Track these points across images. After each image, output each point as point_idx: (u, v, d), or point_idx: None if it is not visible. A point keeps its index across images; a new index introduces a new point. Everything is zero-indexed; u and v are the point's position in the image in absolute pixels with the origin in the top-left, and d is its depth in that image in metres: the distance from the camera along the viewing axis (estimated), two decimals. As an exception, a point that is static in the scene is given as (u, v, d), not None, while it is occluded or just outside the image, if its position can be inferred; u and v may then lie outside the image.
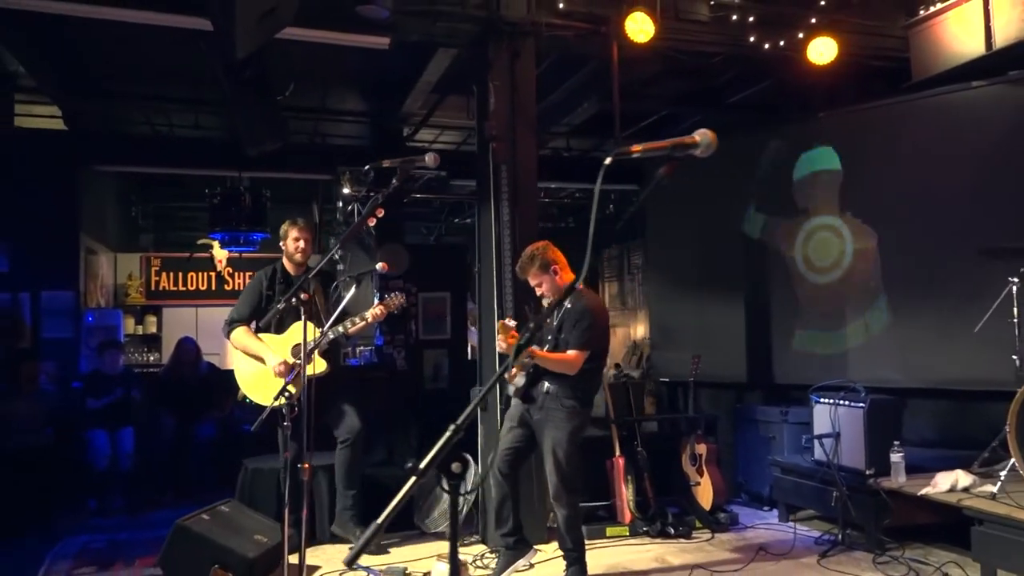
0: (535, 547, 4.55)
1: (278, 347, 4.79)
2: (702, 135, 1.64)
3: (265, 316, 4.77)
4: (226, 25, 3.96)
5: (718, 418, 6.44)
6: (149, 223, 12.25)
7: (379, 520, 1.46)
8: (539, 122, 8.64)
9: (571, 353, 4.15)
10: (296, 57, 5.98)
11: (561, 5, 5.15)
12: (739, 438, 6.39)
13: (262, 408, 4.11)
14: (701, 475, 5.56)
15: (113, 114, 8.49)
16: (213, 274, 10.78)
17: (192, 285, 11.06)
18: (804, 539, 5.09)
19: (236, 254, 10.05)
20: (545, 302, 4.41)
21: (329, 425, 4.95)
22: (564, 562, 4.31)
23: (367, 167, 2.89)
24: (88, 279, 8.74)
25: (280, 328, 4.83)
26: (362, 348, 10.14)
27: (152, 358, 10.12)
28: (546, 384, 4.23)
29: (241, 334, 4.88)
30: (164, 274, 10.95)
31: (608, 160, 1.58)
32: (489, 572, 4.48)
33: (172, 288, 10.99)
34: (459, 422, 1.47)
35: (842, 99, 6.59)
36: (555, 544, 4.58)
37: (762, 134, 6.90)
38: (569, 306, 4.24)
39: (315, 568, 4.61)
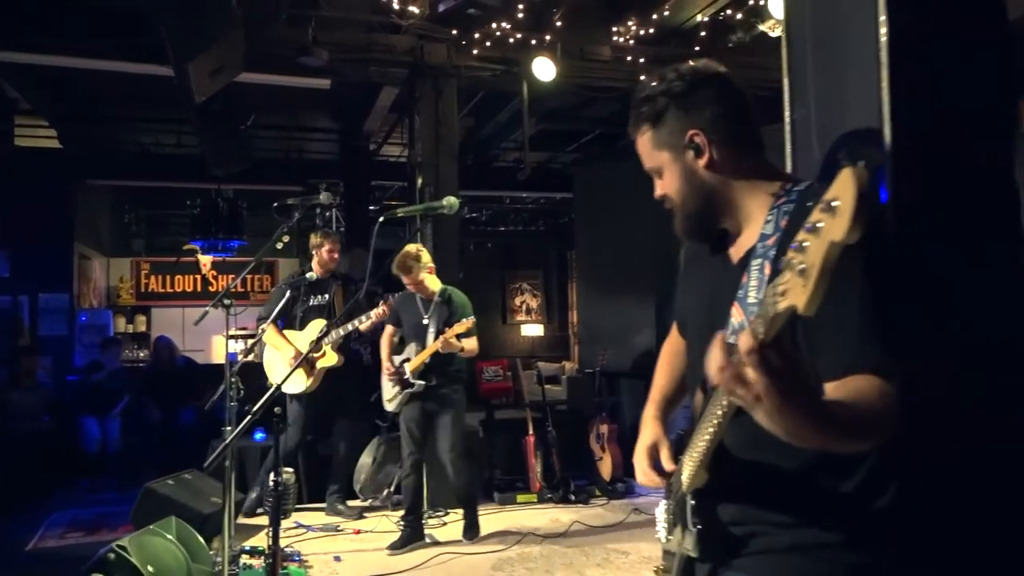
0: (448, 510, 5.43)
1: (298, 342, 5.50)
2: (448, 200, 2.49)
3: (290, 315, 5.51)
4: (183, 79, 4.81)
5: (620, 402, 7.29)
6: (142, 229, 12.84)
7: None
8: (491, 139, 9.61)
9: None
10: (261, 88, 6.79)
11: (476, 51, 5.97)
12: (648, 421, 7.23)
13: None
14: (604, 451, 6.42)
15: (104, 134, 9.32)
16: (198, 277, 11.51)
17: (179, 287, 11.76)
18: (684, 504, 5.93)
19: (220, 259, 10.85)
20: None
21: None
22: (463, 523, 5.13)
23: (275, 204, 3.58)
24: (81, 282, 9.56)
25: (302, 325, 5.59)
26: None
27: (142, 354, 10.91)
28: (433, 378, 4.90)
29: (268, 332, 5.44)
30: (153, 277, 11.66)
31: (381, 219, 2.44)
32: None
33: (160, 290, 11.69)
34: (279, 383, 2.34)
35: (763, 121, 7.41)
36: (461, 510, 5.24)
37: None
38: (440, 300, 4.97)
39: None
